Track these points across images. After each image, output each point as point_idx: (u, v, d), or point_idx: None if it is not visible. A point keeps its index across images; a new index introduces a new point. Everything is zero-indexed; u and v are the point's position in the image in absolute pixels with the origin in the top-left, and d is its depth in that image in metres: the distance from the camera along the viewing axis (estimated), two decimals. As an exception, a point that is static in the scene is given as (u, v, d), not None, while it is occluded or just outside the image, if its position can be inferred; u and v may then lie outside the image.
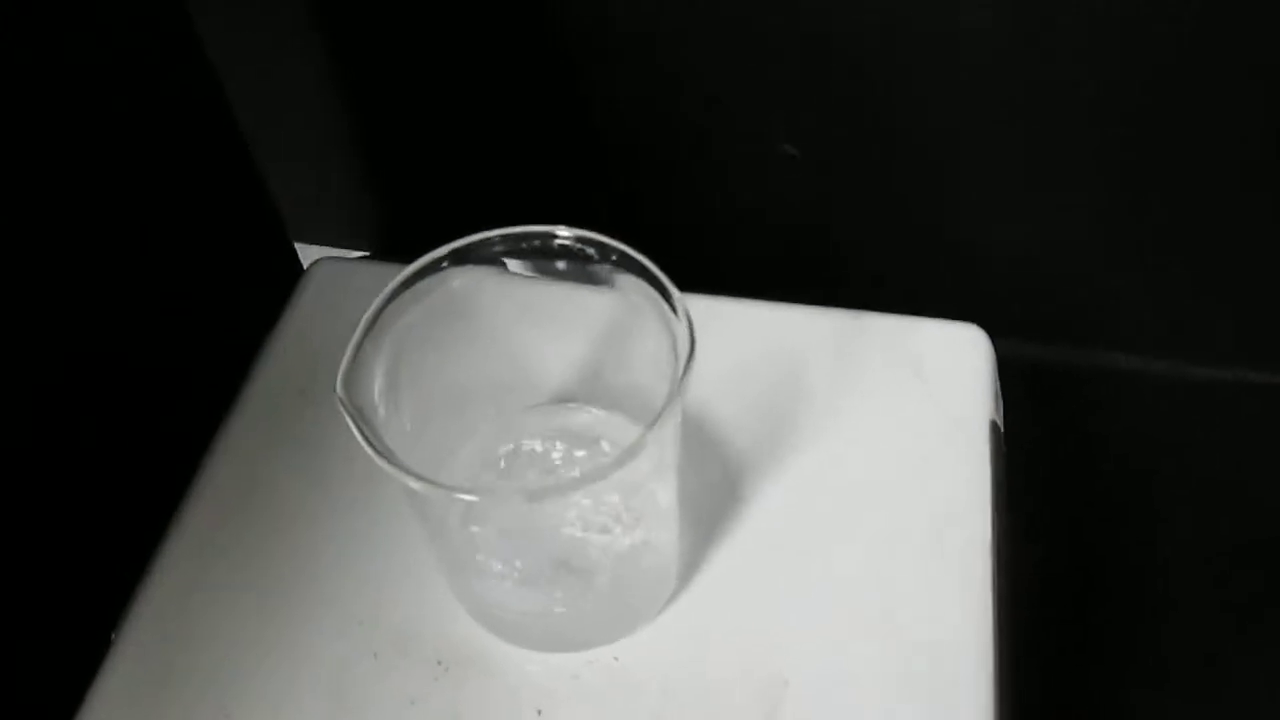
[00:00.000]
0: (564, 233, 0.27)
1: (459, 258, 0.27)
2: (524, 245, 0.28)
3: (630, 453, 0.24)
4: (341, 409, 0.24)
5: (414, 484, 0.23)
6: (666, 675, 0.30)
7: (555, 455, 0.30)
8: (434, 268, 0.27)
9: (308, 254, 0.60)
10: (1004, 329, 0.39)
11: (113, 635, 0.32)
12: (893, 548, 0.32)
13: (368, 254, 0.62)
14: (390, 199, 0.60)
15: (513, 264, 0.28)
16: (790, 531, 0.32)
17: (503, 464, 0.30)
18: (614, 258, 0.27)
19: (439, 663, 0.30)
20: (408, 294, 0.27)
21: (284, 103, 0.54)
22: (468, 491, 0.23)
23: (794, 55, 0.42)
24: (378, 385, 0.26)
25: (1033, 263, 0.48)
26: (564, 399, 0.32)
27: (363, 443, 0.23)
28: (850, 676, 0.30)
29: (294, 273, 0.50)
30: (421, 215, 0.59)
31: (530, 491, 0.23)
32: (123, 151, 0.37)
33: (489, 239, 0.27)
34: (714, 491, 0.33)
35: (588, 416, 0.32)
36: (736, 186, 0.48)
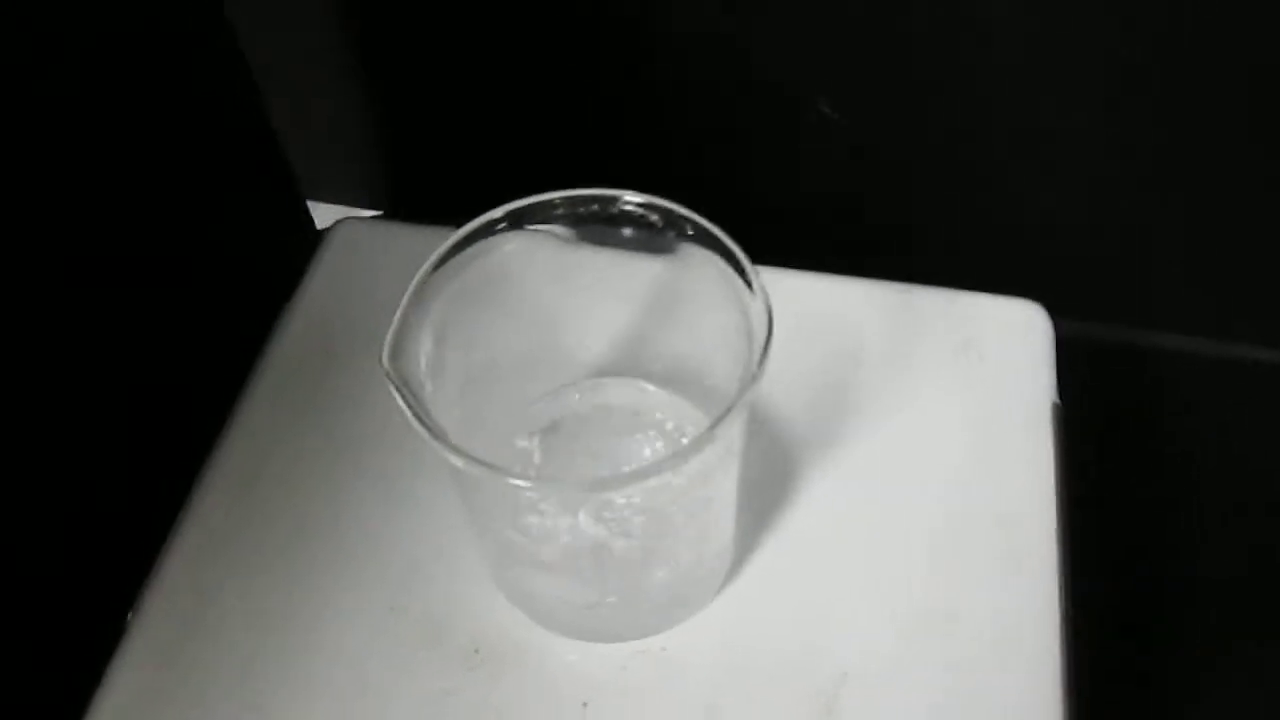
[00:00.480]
0: (631, 198, 0.25)
1: (515, 220, 0.25)
2: (586, 210, 0.26)
3: (699, 444, 0.22)
4: (389, 383, 0.22)
5: (467, 466, 0.21)
6: (717, 667, 0.28)
7: (610, 434, 0.28)
8: (487, 230, 0.25)
9: (320, 212, 0.58)
10: (1060, 307, 0.37)
11: (129, 617, 0.30)
12: (955, 537, 0.30)
13: (380, 213, 0.60)
14: (405, 157, 0.57)
15: (569, 229, 0.26)
16: (845, 518, 0.31)
17: (554, 440, 0.28)
18: (686, 228, 0.25)
19: (475, 651, 0.29)
20: (457, 259, 0.25)
21: (298, 58, 0.52)
22: (525, 478, 0.21)
23: (846, 20, 0.40)
24: (424, 356, 0.24)
25: (1089, 241, 0.46)
26: (618, 372, 0.30)
27: (412, 420, 0.22)
28: (911, 671, 0.28)
29: (308, 231, 0.48)
30: (436, 174, 0.57)
31: (592, 482, 0.21)
32: (133, 109, 0.35)
33: (549, 201, 0.25)
34: (766, 474, 0.32)
35: (643, 392, 0.30)
36: (781, 152, 0.46)
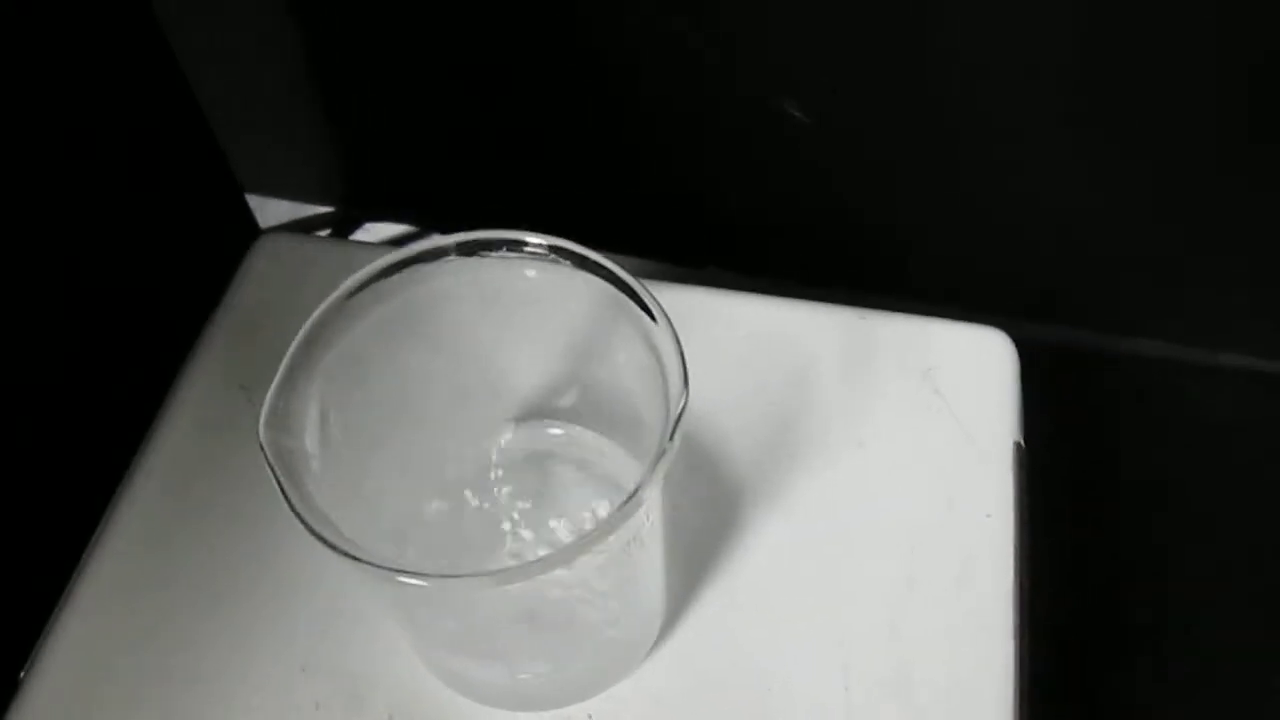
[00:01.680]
0: (534, 240, 0.23)
1: (407, 265, 0.23)
2: (485, 252, 0.23)
3: (617, 519, 0.20)
4: (265, 461, 0.20)
5: (353, 567, 0.19)
6: (647, 735, 0.26)
7: (539, 485, 0.26)
8: (378, 277, 0.23)
9: (266, 207, 0.56)
10: (1028, 314, 0.35)
11: (21, 675, 0.28)
12: (908, 591, 0.28)
13: (332, 208, 0.57)
14: (357, 151, 0.55)
15: (477, 267, 0.24)
16: (788, 568, 0.29)
17: (474, 497, 0.26)
18: (592, 267, 0.23)
19: (390, 717, 0.27)
20: (347, 308, 0.23)
21: (247, 51, 0.49)
22: (419, 575, 0.19)
23: (810, 15, 0.37)
24: (311, 421, 0.22)
25: (1053, 246, 0.44)
26: (540, 415, 0.28)
27: (290, 509, 0.19)
28: (854, 740, 0.26)
29: (247, 232, 0.45)
30: (388, 167, 0.54)
31: (499, 574, 0.19)
32: (51, 96, 0.32)
33: (444, 246, 0.23)
34: (706, 518, 0.29)
35: (564, 433, 0.28)
36: (741, 155, 0.44)
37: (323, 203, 0.56)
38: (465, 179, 0.52)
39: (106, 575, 0.29)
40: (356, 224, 0.56)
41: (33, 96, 0.31)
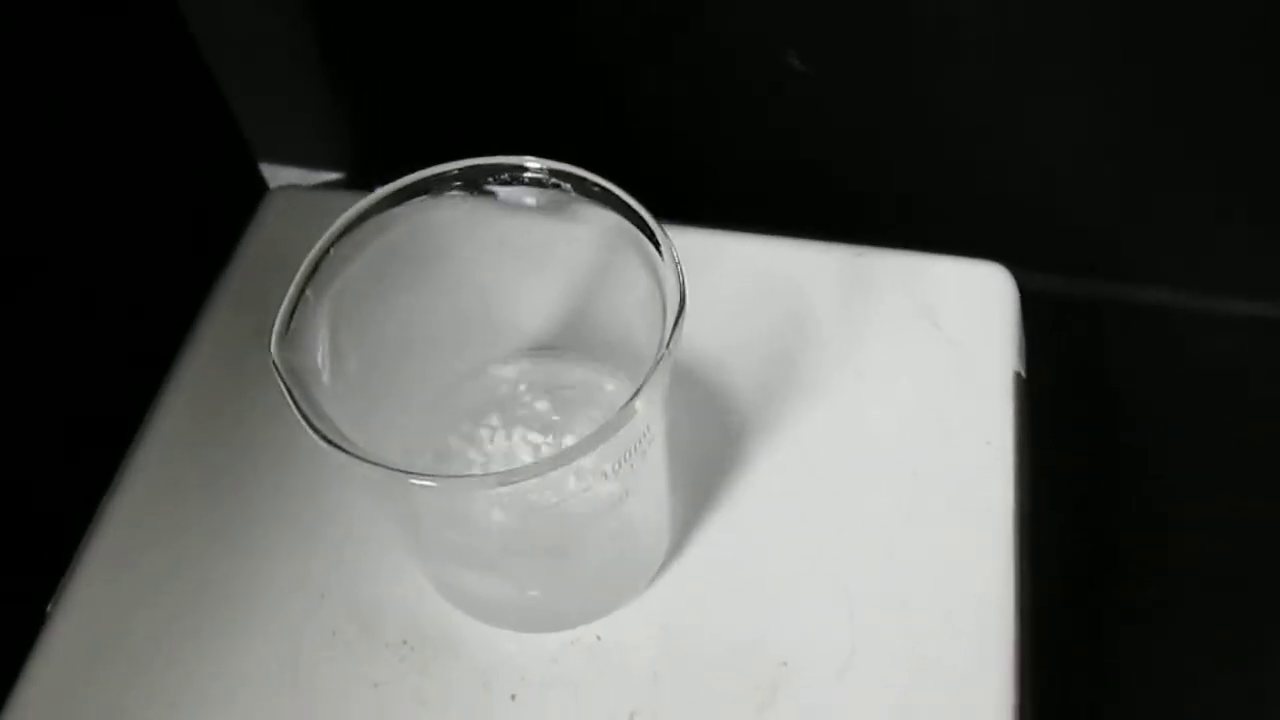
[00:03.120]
0: (533, 164, 0.23)
1: (412, 193, 0.24)
2: (489, 179, 0.24)
3: (614, 424, 0.20)
4: (277, 376, 0.21)
5: (365, 469, 0.20)
6: (654, 656, 0.27)
7: (534, 416, 0.27)
8: (384, 205, 0.24)
9: (277, 175, 0.56)
10: (1025, 261, 0.35)
11: (49, 609, 0.29)
12: (906, 516, 0.29)
13: (342, 175, 0.58)
14: (366, 114, 0.55)
15: (478, 198, 0.24)
16: (792, 497, 0.29)
17: (471, 426, 0.27)
18: (594, 191, 0.24)
19: (404, 642, 0.28)
20: (354, 235, 0.23)
21: (254, 19, 0.50)
22: (428, 476, 0.20)
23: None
24: (322, 343, 0.23)
25: (1055, 190, 0.44)
26: (540, 346, 0.28)
27: (301, 420, 0.20)
28: (856, 659, 0.27)
29: (260, 194, 0.46)
30: (400, 131, 0.55)
31: (501, 475, 0.20)
32: (59, 61, 0.33)
33: (446, 173, 0.24)
34: (709, 449, 0.30)
35: (566, 366, 0.28)
36: (737, 105, 0.44)
37: (332, 169, 0.57)
38: (473, 141, 0.52)
39: (129, 511, 0.30)
40: (367, 190, 0.57)
41: (42, 66, 0.32)
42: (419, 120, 0.53)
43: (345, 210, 0.24)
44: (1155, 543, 0.39)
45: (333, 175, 0.58)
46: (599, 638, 0.27)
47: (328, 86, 0.54)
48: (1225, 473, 0.42)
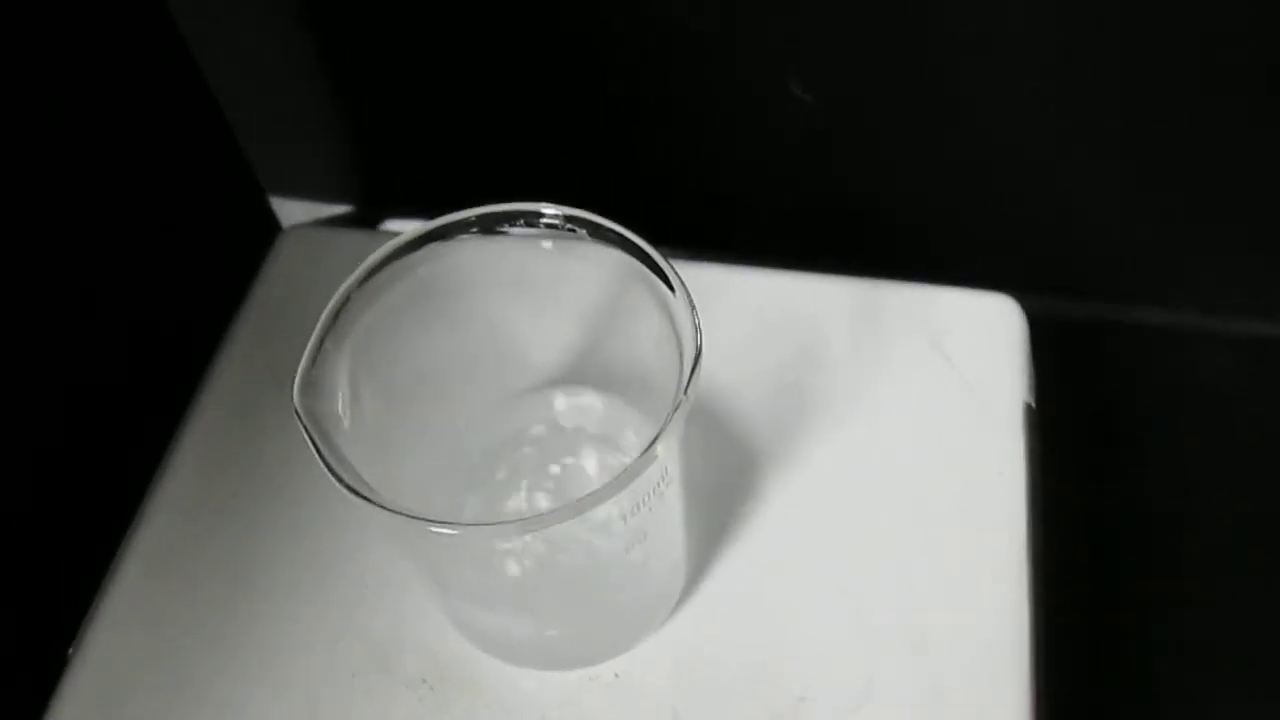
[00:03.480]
0: (549, 210, 0.24)
1: (429, 239, 0.24)
2: (505, 224, 0.24)
3: (634, 470, 0.21)
4: (300, 425, 0.21)
5: (387, 517, 0.20)
6: (673, 692, 0.27)
7: (552, 453, 0.27)
8: (401, 252, 0.24)
9: (284, 208, 0.57)
10: (1031, 285, 0.35)
11: (70, 652, 0.29)
12: (920, 549, 0.29)
13: (350, 208, 0.58)
14: (374, 147, 0.56)
15: (492, 238, 0.25)
16: (808, 529, 0.30)
17: (490, 467, 0.27)
18: (609, 236, 0.24)
19: (423, 681, 0.28)
20: (371, 283, 0.24)
21: (264, 51, 0.50)
22: (449, 524, 0.20)
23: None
24: (342, 389, 0.23)
25: (1061, 213, 0.44)
26: (556, 382, 0.29)
27: (325, 469, 0.20)
28: (874, 691, 0.27)
29: (271, 233, 0.46)
30: (408, 162, 0.56)
31: (521, 523, 0.20)
32: (67, 100, 0.33)
33: (465, 220, 0.24)
34: (723, 483, 0.30)
35: (583, 402, 0.29)
36: (742, 135, 0.44)
37: (342, 202, 0.58)
38: (482, 174, 0.53)
39: (148, 555, 0.30)
40: (377, 222, 0.57)
41: (49, 101, 0.32)
42: (427, 151, 0.53)
43: (360, 253, 0.24)
44: (1169, 568, 0.39)
45: (341, 208, 0.58)
46: (617, 675, 0.27)
47: (335, 119, 0.54)
48: (1235, 491, 0.43)
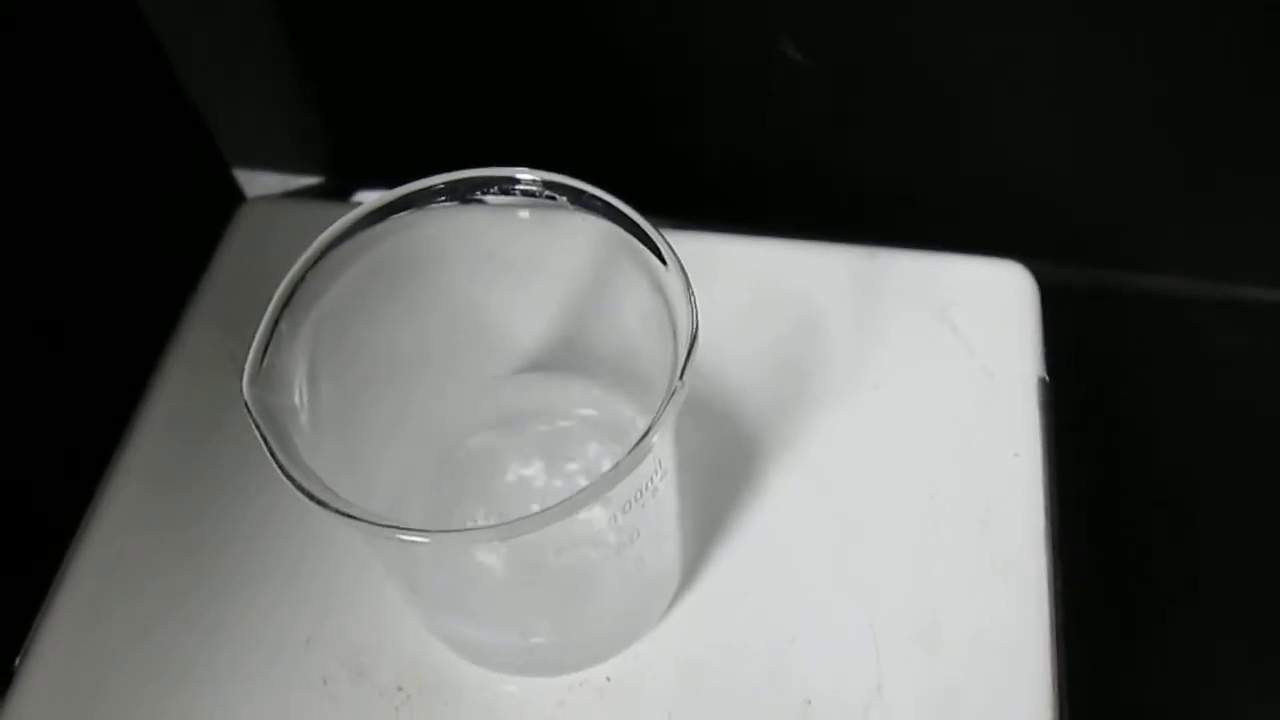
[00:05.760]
0: (525, 175, 0.22)
1: (395, 209, 0.22)
2: (478, 192, 0.22)
3: (626, 466, 0.18)
4: (251, 421, 0.19)
5: (352, 524, 0.18)
6: (668, 697, 0.25)
7: (533, 445, 0.25)
8: (364, 224, 0.22)
9: (253, 180, 0.54)
10: (1032, 251, 0.33)
11: (16, 663, 0.27)
12: (930, 537, 0.27)
13: (320, 179, 0.56)
14: (342, 115, 0.53)
15: (464, 209, 0.22)
16: (807, 519, 0.28)
17: (466, 461, 0.25)
18: (592, 204, 0.22)
19: (400, 689, 0.26)
20: (331, 258, 0.22)
21: (228, 22, 0.48)
22: (419, 531, 0.18)
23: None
24: (299, 378, 0.21)
25: (1065, 180, 0.42)
26: (537, 366, 0.27)
27: (279, 470, 0.18)
28: (885, 694, 0.25)
29: (235, 205, 0.44)
30: (378, 131, 0.53)
31: (500, 528, 0.18)
32: (20, 76, 0.31)
33: (432, 187, 0.22)
34: (720, 470, 0.28)
35: (567, 387, 0.26)
36: (734, 98, 0.42)
37: (311, 173, 0.55)
38: (461, 142, 0.50)
39: (100, 556, 0.28)
40: (348, 194, 0.55)
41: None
42: (397, 120, 0.51)
43: (323, 226, 0.22)
44: (1187, 550, 0.37)
45: (311, 180, 0.55)
46: (609, 678, 0.25)
47: (302, 87, 0.52)
48: (1249, 463, 0.41)
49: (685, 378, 0.19)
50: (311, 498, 0.18)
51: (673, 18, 0.40)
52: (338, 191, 0.54)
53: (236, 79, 0.50)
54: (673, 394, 0.19)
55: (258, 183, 0.56)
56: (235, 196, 0.47)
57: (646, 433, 0.19)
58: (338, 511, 0.18)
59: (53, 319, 0.33)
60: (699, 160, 0.45)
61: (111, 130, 0.36)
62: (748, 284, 0.31)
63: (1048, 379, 0.30)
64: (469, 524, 0.24)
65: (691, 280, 0.20)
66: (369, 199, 0.22)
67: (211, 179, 0.46)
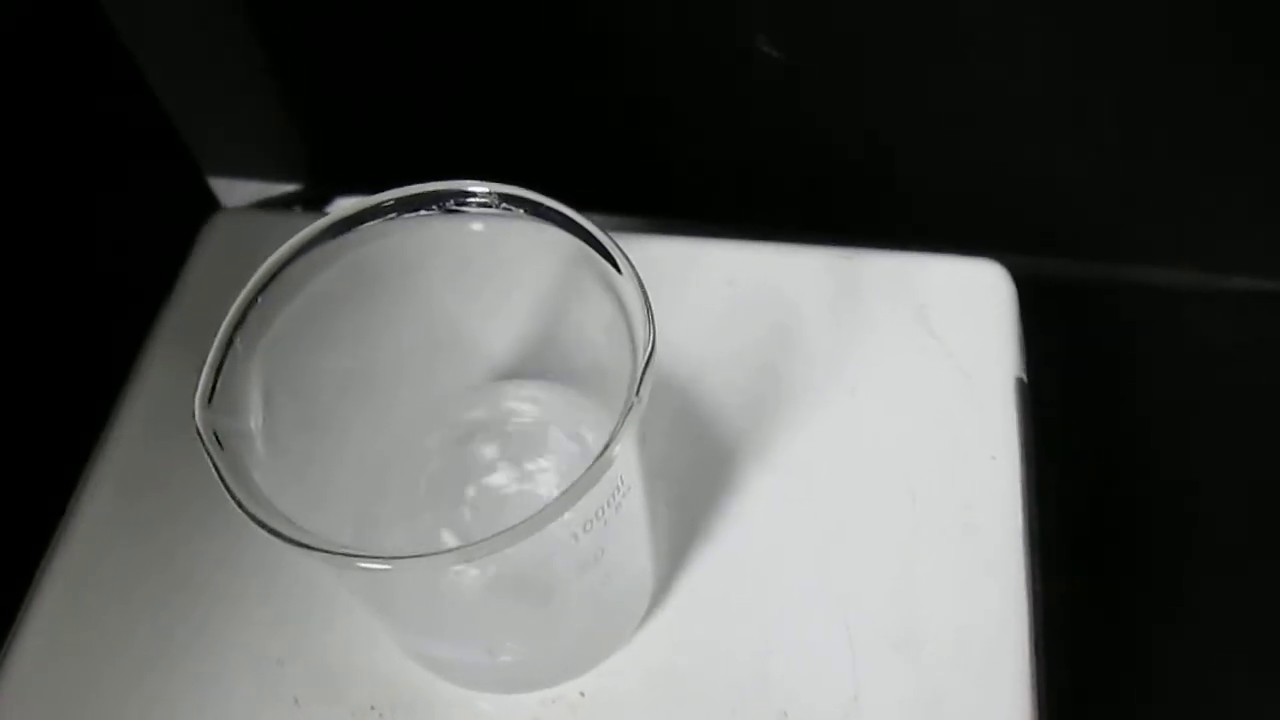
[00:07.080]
0: (479, 189, 0.21)
1: (349, 225, 0.21)
2: (431, 206, 0.21)
3: (586, 482, 0.18)
4: (203, 448, 0.19)
5: (305, 555, 0.17)
6: (644, 711, 0.25)
7: (500, 457, 0.24)
8: (319, 239, 0.21)
9: (230, 189, 0.54)
10: (1018, 248, 0.33)
11: (-16, 689, 0.26)
12: (908, 541, 0.27)
13: (298, 186, 0.55)
14: (320, 123, 0.53)
15: (421, 222, 0.22)
16: (783, 525, 0.27)
17: (430, 478, 0.25)
18: (548, 214, 0.21)
19: (372, 708, 0.25)
20: (286, 275, 0.21)
21: (188, 11, 0.47)
22: (378, 558, 0.17)
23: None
24: (255, 401, 0.20)
25: (1051, 171, 0.42)
26: (502, 377, 0.26)
27: (232, 501, 0.18)
28: (862, 703, 0.25)
29: (210, 209, 0.43)
30: (356, 138, 0.52)
31: (460, 551, 0.17)
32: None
33: (383, 203, 0.21)
34: (692, 477, 0.28)
35: (533, 398, 0.26)
36: (706, 96, 0.41)
37: (288, 180, 0.54)
38: (434, 146, 0.50)
39: (68, 576, 0.28)
40: (325, 201, 0.54)
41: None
42: (376, 125, 0.50)
43: (292, 234, 0.22)
44: (1175, 549, 0.37)
45: (289, 187, 0.55)
46: (583, 694, 0.25)
47: (278, 94, 0.51)
48: (1241, 455, 0.40)
49: (643, 392, 0.19)
50: (267, 529, 0.17)
51: (654, 17, 0.40)
52: (316, 199, 0.54)
53: (212, 88, 0.49)
54: (630, 408, 0.18)
55: (240, 193, 0.55)
56: (211, 205, 0.47)
57: (605, 448, 0.18)
58: (294, 542, 0.17)
59: (26, 329, 0.32)
60: (680, 160, 0.45)
61: (84, 142, 0.36)
62: (722, 287, 0.31)
63: (1025, 379, 0.29)
64: (438, 538, 0.23)
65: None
66: (336, 209, 0.21)
67: (187, 188, 0.46)
